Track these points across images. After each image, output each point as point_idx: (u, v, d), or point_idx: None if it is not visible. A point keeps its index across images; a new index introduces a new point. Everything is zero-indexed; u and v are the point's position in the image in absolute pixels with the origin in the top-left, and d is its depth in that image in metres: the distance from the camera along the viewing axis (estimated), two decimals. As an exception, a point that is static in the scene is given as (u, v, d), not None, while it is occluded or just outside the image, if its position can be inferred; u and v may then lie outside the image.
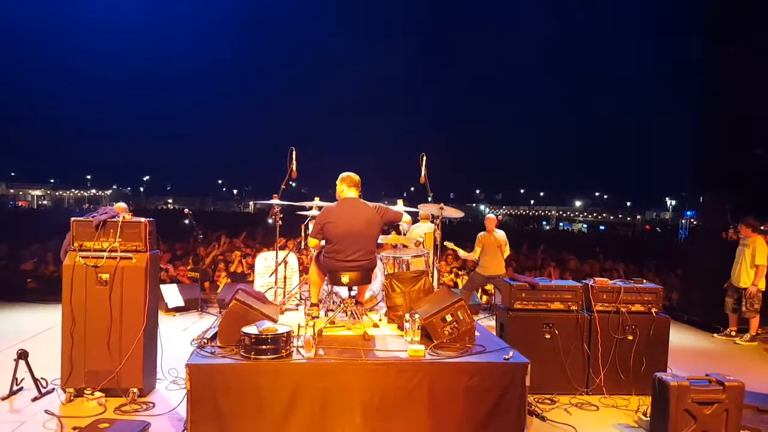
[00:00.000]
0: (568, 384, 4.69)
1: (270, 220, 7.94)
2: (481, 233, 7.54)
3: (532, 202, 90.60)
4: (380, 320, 4.91)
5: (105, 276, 4.18)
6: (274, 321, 4.01)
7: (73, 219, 4.30)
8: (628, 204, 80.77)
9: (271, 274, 6.50)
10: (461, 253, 7.75)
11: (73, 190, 74.98)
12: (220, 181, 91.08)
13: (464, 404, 3.66)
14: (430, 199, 6.04)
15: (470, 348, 3.99)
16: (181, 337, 6.16)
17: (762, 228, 7.10)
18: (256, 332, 3.62)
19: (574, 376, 4.71)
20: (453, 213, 6.23)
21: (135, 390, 4.19)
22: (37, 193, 69.78)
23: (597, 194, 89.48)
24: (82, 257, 4.20)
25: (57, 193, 73.39)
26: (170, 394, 4.41)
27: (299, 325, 4.04)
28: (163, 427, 3.81)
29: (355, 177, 4.70)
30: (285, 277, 6.62)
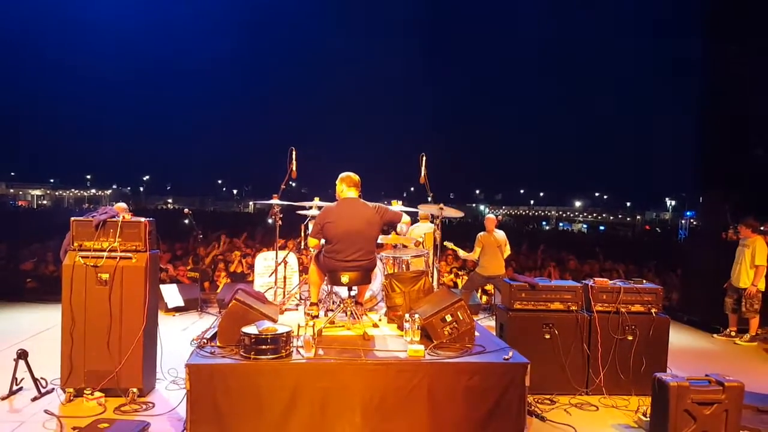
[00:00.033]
0: (567, 384, 4.68)
1: (270, 220, 7.95)
2: (481, 233, 7.55)
3: (531, 202, 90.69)
4: (380, 320, 4.90)
5: (105, 276, 4.18)
6: (274, 321, 4.00)
7: (72, 219, 4.30)
8: (628, 204, 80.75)
9: (270, 274, 6.50)
10: (461, 253, 7.75)
11: (73, 189, 74.94)
12: (219, 181, 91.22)
13: (464, 404, 3.66)
14: (429, 199, 6.05)
15: (470, 348, 3.99)
16: (180, 337, 6.16)
17: (762, 228, 7.10)
18: (256, 332, 3.62)
19: (573, 376, 4.71)
20: (453, 213, 6.24)
21: (135, 390, 4.19)
22: (37, 192, 69.73)
23: (597, 194, 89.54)
24: (82, 257, 4.20)
25: (57, 193, 73.36)
26: (170, 394, 4.41)
27: (299, 325, 4.05)
28: (162, 427, 3.81)
29: (355, 177, 4.70)
30: (285, 277, 6.62)
